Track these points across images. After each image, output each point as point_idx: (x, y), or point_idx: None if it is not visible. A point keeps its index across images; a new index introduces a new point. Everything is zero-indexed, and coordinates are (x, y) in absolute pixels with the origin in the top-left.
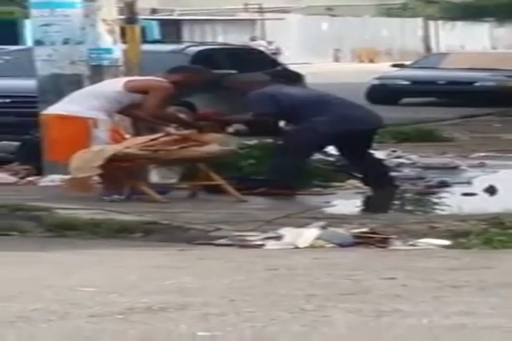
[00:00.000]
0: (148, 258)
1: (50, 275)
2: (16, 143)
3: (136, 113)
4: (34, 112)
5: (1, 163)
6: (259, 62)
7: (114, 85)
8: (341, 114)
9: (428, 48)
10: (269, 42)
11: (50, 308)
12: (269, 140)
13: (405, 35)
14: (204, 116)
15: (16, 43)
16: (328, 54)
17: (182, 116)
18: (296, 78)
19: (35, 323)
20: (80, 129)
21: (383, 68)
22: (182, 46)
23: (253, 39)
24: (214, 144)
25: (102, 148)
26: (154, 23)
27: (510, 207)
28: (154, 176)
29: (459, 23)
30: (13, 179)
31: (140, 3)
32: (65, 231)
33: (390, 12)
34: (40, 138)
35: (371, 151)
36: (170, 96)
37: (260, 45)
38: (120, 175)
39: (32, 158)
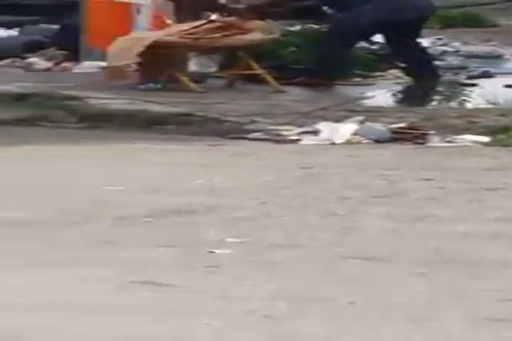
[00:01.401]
0: (179, 154)
1: (77, 171)
2: (54, 27)
3: None
4: None
5: (38, 47)
6: None
7: None
8: (392, 2)
9: None
10: None
11: (74, 208)
12: (313, 26)
13: None
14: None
15: None
16: None
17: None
18: None
19: (57, 226)
20: (122, 14)
21: None
22: None
23: None
24: (257, 32)
25: (143, 35)
26: None
27: None
28: (193, 65)
29: None
30: (47, 64)
31: None
32: (97, 122)
33: None
34: (80, 22)
35: (417, 40)
36: None
37: None
38: (158, 63)
39: (69, 42)
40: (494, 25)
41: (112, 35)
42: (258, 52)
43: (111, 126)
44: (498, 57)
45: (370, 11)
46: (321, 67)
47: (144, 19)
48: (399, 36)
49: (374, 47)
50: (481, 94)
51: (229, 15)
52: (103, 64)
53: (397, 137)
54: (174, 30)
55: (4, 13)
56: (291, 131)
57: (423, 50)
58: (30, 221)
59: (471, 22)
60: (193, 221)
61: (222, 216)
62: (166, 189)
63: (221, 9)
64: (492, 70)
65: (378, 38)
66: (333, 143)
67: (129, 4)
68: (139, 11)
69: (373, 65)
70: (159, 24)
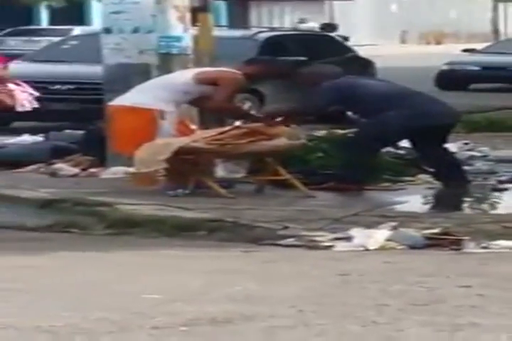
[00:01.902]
0: (213, 261)
1: (112, 279)
2: (80, 132)
3: (204, 105)
4: (99, 99)
5: (63, 153)
6: (330, 49)
7: (184, 76)
8: (416, 109)
9: (496, 31)
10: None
11: (111, 318)
12: (339, 131)
13: (473, 17)
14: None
15: (81, 23)
16: (395, 36)
17: (248, 110)
18: (366, 65)
19: (95, 335)
20: (146, 121)
21: (451, 51)
22: (252, 32)
23: (302, 21)
24: (283, 137)
25: (169, 141)
26: (222, 3)
27: None
28: (220, 170)
29: None
30: (74, 170)
31: None
32: (127, 228)
33: None
34: (105, 128)
35: (445, 145)
36: (240, 88)
37: (310, 27)
38: (186, 169)
39: (95, 148)
40: None
41: (137, 141)
42: (285, 157)
43: (140, 233)
44: None
45: (394, 117)
46: (349, 173)
47: (168, 125)
48: (426, 141)
49: (401, 152)
50: None
51: (252, 122)
52: (130, 170)
53: (432, 243)
54: (200, 136)
55: (29, 118)
56: (324, 237)
57: (451, 154)
58: (67, 330)
59: (496, 126)
60: (230, 330)
61: (260, 325)
62: (202, 297)
63: (244, 117)
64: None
65: (405, 143)
66: (367, 250)
67: (152, 110)
68: (163, 117)
69: (402, 170)
70: (184, 130)
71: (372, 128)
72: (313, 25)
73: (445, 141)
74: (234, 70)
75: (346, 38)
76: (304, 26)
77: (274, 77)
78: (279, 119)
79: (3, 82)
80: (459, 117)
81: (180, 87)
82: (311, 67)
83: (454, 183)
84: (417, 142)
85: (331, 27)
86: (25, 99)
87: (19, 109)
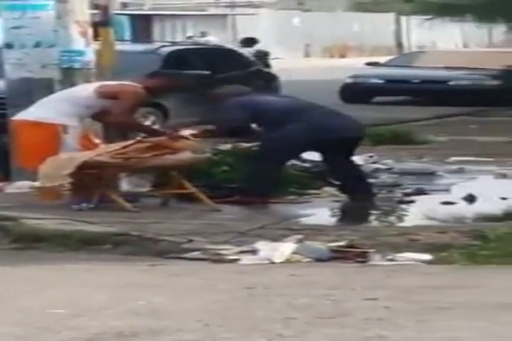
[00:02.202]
0: (119, 275)
1: (17, 293)
2: None
3: (106, 119)
4: (3, 114)
5: None
6: (234, 63)
7: (86, 90)
8: (315, 122)
9: (399, 44)
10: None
11: (16, 333)
12: (243, 145)
13: (377, 30)
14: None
15: None
16: (299, 49)
17: (149, 124)
18: (270, 79)
19: None
20: (49, 135)
21: (354, 64)
22: (154, 46)
23: (202, 35)
24: (187, 151)
25: (73, 155)
26: (125, 18)
27: (491, 217)
28: (125, 184)
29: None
30: None
31: None
32: (32, 242)
33: (362, 7)
34: (9, 142)
35: (351, 158)
36: (140, 102)
37: (209, 41)
38: (90, 183)
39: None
40: (424, 142)
41: (41, 156)
42: (190, 171)
43: (46, 247)
44: (431, 173)
45: (292, 130)
46: (254, 186)
47: (71, 139)
48: (332, 154)
49: (307, 165)
50: (418, 212)
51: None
52: (35, 184)
53: (338, 256)
54: (104, 151)
55: None
56: (230, 251)
57: (357, 167)
58: None
59: (402, 139)
60: None
61: (167, 339)
62: (107, 311)
63: (144, 131)
64: (426, 187)
65: (311, 155)
66: (273, 263)
67: (55, 124)
68: (66, 131)
69: (307, 183)
70: (88, 144)
71: (274, 142)
72: (212, 39)
73: (351, 154)
74: (134, 84)
75: (266, 53)
76: (203, 40)
77: (176, 91)
78: (186, 133)
79: None
80: (363, 131)
81: (82, 101)
82: (221, 88)
83: (359, 196)
84: (325, 155)
85: (252, 41)
86: None
87: None
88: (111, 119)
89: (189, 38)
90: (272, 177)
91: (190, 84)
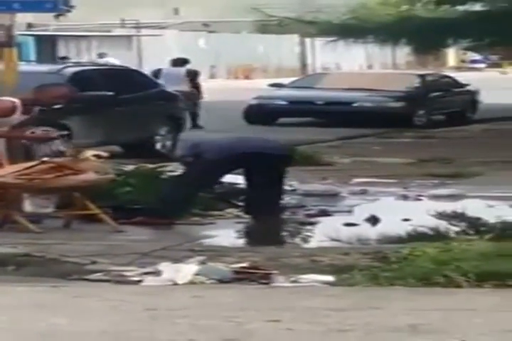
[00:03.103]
0: (21, 296)
1: None
2: None
3: None
4: None
5: None
6: (138, 84)
7: None
8: (236, 141)
9: (304, 65)
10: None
11: None
12: (147, 165)
13: (281, 51)
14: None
15: None
16: (204, 70)
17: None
18: (173, 99)
19: None
20: None
21: (259, 85)
22: (59, 67)
23: (101, 56)
24: (90, 172)
25: None
26: (30, 39)
27: (393, 238)
28: (28, 205)
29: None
30: None
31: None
32: None
33: (266, 29)
34: None
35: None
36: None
37: (108, 62)
38: None
39: None
40: (329, 164)
41: None
42: (94, 192)
43: None
44: (335, 195)
45: (218, 151)
46: (162, 207)
47: None
48: (254, 174)
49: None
50: (322, 233)
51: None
52: None
53: (241, 277)
54: (7, 171)
55: None
56: (133, 272)
57: (277, 192)
58: None
59: (305, 160)
60: None
61: None
62: (9, 333)
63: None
64: (330, 209)
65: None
66: (176, 284)
67: None
68: None
69: (211, 204)
70: None
71: (200, 165)
72: (112, 60)
73: (261, 176)
74: (7, 99)
75: (196, 73)
76: (102, 61)
77: (60, 102)
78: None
79: None
80: (284, 150)
81: None
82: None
83: (263, 218)
84: (248, 174)
85: (183, 61)
86: None
87: None
88: None
89: (100, 56)
90: (184, 200)
91: (93, 105)
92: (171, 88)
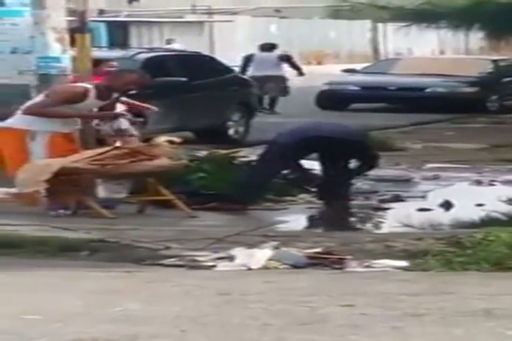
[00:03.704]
0: (95, 281)
1: None
2: None
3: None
4: None
5: None
6: (211, 69)
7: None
8: (308, 126)
9: (376, 51)
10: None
11: None
12: (220, 151)
13: (353, 37)
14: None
15: None
16: None
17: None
18: (246, 85)
19: None
20: (19, 142)
21: (331, 71)
22: (131, 52)
23: (168, 42)
24: (164, 158)
25: (49, 161)
26: (102, 25)
27: (467, 224)
28: (102, 191)
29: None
30: None
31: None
32: (7, 248)
33: (338, 14)
34: None
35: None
36: (72, 100)
37: (173, 48)
38: (67, 190)
39: None
40: (401, 149)
41: (16, 162)
42: (167, 177)
43: (22, 253)
44: (408, 180)
45: (289, 136)
46: (236, 192)
47: (38, 145)
48: (327, 157)
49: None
50: (395, 218)
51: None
52: (12, 190)
53: (314, 262)
54: (81, 157)
55: None
56: (206, 257)
57: (349, 175)
58: None
59: (377, 145)
60: None
61: None
62: (83, 317)
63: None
64: (403, 194)
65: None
66: (250, 269)
67: (22, 131)
68: (33, 138)
69: (284, 190)
70: (59, 150)
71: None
72: (177, 46)
73: (336, 160)
74: (77, 85)
75: (289, 57)
76: (168, 46)
77: (133, 88)
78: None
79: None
80: (359, 135)
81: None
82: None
83: (336, 203)
84: (322, 158)
85: (271, 46)
86: None
87: None
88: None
89: (168, 42)
90: (265, 185)
91: (166, 91)
92: (264, 72)
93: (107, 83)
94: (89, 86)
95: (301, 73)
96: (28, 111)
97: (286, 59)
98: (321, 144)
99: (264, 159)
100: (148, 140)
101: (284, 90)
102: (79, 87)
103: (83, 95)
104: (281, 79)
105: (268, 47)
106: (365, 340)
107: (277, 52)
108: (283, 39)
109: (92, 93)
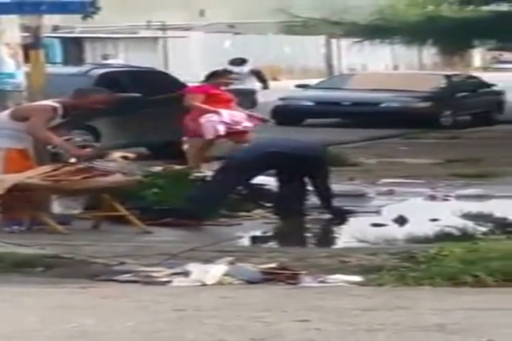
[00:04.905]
0: (50, 297)
1: None
2: None
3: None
4: None
5: None
6: (165, 85)
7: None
8: (268, 142)
9: (330, 66)
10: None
11: None
12: (174, 167)
13: (307, 53)
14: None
15: None
16: None
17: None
18: None
19: None
20: None
21: (286, 86)
22: (86, 68)
23: (105, 57)
24: (118, 173)
25: (3, 177)
26: (56, 41)
27: (421, 239)
28: (57, 206)
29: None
30: None
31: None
32: None
33: (292, 30)
34: None
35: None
36: (50, 118)
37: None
38: (21, 206)
39: None
40: (355, 164)
41: None
42: (121, 193)
43: None
44: (362, 195)
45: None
46: (190, 208)
47: None
48: (285, 173)
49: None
50: (350, 233)
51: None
52: None
53: (269, 278)
54: (35, 173)
55: None
56: (161, 273)
57: (304, 191)
58: None
59: (333, 161)
60: None
61: None
62: (39, 333)
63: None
64: (358, 209)
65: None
66: (204, 285)
67: None
68: None
69: (239, 205)
70: (15, 166)
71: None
72: (112, 61)
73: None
74: (46, 103)
75: (259, 71)
76: (106, 62)
77: (101, 108)
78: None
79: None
80: (317, 151)
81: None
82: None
83: (290, 218)
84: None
85: (242, 61)
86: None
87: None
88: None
89: (104, 58)
90: (219, 201)
91: (118, 103)
92: (236, 86)
93: (74, 101)
94: (57, 105)
95: (265, 87)
96: (34, 134)
97: (258, 73)
98: (278, 160)
99: (220, 174)
100: (104, 156)
101: (254, 103)
102: (52, 106)
103: (56, 113)
104: (252, 93)
105: (239, 61)
106: None
107: (247, 66)
108: (237, 55)
109: (60, 111)
